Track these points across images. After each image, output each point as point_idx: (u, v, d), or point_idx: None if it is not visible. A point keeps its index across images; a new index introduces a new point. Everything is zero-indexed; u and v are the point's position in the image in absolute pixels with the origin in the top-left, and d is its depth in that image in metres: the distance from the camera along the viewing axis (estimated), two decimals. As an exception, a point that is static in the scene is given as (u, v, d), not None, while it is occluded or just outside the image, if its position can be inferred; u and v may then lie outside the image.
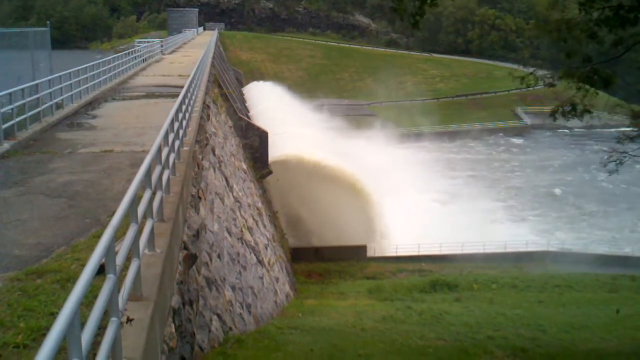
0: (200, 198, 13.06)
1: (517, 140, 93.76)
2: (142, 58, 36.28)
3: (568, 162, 78.71)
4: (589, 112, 15.79)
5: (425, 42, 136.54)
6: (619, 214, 56.76)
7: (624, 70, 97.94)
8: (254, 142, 36.93)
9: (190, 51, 51.50)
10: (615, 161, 17.72)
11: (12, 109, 13.65)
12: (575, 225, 54.09)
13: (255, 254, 21.77)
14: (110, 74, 25.90)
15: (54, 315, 5.20)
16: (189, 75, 17.74)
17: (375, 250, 42.50)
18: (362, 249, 42.05)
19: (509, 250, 43.32)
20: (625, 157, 17.71)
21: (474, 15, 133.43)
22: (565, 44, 15.23)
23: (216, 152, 20.69)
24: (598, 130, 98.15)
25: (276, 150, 39.54)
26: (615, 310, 24.20)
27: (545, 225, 53.73)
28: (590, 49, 15.59)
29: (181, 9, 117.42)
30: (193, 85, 17.20)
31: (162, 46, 47.57)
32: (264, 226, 29.16)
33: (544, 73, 17.17)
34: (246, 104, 55.57)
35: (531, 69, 17.40)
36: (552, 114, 16.57)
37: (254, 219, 25.91)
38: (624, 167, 18.17)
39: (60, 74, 18.47)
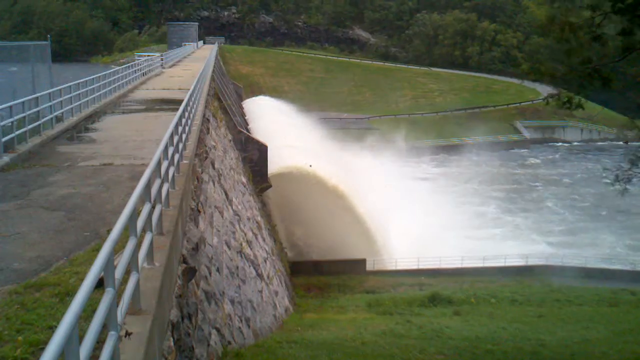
0: (199, 211, 13.05)
1: (523, 153, 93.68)
2: (142, 72, 36.41)
3: (597, 175, 75.18)
4: (582, 107, 15.78)
5: (421, 56, 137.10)
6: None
7: (624, 84, 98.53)
8: (254, 155, 36.93)
9: (190, 65, 51.71)
10: (622, 180, 17.45)
11: (12, 122, 13.68)
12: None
13: (254, 268, 21.71)
14: (111, 87, 25.97)
15: (52, 329, 5.18)
16: (189, 89, 17.80)
17: (375, 264, 42.41)
18: (362, 262, 41.95)
19: (508, 264, 43.25)
20: (631, 175, 17.45)
21: (474, 29, 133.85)
22: (567, 45, 15.18)
23: (216, 166, 20.70)
24: (599, 143, 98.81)
25: (275, 164, 39.55)
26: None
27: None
28: (591, 53, 15.55)
29: (181, 23, 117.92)
30: (193, 99, 17.25)
31: (162, 60, 47.76)
32: (263, 240, 29.10)
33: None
34: (246, 118, 55.67)
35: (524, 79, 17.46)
36: (546, 99, 16.49)
37: (253, 232, 25.87)
38: None
39: (61, 87, 18.54)
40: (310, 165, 42.30)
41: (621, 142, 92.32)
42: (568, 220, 59.98)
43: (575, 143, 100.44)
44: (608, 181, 18.39)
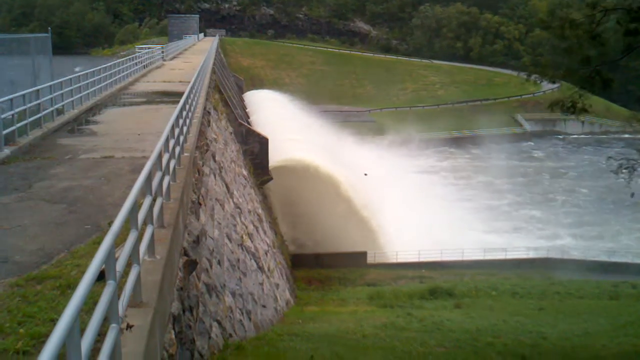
0: (200, 204, 13.05)
1: (527, 145, 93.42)
2: (143, 64, 36.31)
3: (602, 168, 75.09)
4: (586, 111, 15.84)
5: (422, 48, 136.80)
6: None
7: (626, 77, 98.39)
8: (255, 148, 36.92)
9: (191, 57, 51.56)
10: (627, 168, 17.47)
11: (12, 114, 13.66)
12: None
13: (255, 260, 21.74)
14: (112, 79, 25.91)
15: (53, 322, 5.19)
16: (190, 82, 17.75)
17: (376, 256, 42.45)
18: (362, 255, 41.99)
19: (509, 257, 43.28)
20: (636, 164, 17.48)
21: (477, 21, 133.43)
22: (567, 42, 15.21)
23: (216, 158, 20.69)
24: (600, 136, 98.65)
25: (276, 157, 39.54)
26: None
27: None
28: (591, 51, 15.57)
29: (182, 15, 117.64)
30: (194, 92, 17.22)
31: (162, 52, 47.61)
32: (264, 232, 29.12)
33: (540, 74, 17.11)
34: (247, 110, 55.60)
35: (531, 76, 17.37)
36: (551, 106, 16.53)
37: (254, 225, 25.88)
38: None
39: (61, 79, 18.49)
40: (366, 174, 42.45)
41: (623, 135, 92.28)
42: (576, 213, 59.88)
43: (576, 136, 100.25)
44: (612, 170, 18.39)
